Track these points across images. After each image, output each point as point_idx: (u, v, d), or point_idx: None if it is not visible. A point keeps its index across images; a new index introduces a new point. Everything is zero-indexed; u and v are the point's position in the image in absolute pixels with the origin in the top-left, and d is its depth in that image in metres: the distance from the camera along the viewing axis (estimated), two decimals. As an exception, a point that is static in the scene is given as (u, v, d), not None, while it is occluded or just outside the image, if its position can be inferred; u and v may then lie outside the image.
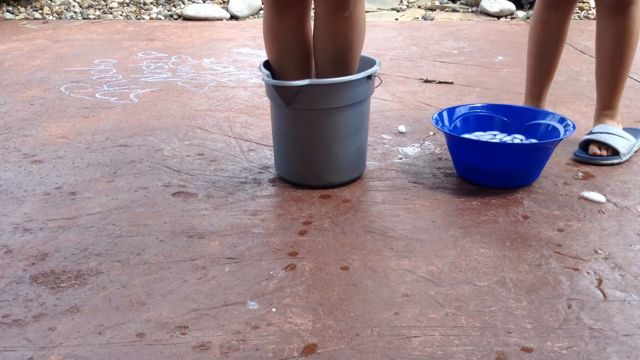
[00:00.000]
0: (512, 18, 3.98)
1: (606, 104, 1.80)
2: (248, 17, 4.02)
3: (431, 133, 1.95)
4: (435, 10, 4.24)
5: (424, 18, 4.01)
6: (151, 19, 3.98)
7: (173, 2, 4.23)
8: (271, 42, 1.53)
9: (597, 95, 1.82)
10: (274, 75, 1.54)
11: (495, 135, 1.72)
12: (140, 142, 1.88)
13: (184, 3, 4.19)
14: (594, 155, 1.71)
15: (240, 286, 1.17)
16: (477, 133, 1.73)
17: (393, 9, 4.29)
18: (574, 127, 1.59)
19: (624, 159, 1.71)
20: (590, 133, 1.76)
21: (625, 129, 1.83)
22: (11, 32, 3.51)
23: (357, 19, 1.48)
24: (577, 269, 1.22)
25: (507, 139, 1.70)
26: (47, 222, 1.41)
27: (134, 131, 1.97)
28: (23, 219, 1.43)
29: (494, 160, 1.53)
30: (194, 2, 4.19)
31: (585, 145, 1.75)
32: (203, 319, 1.08)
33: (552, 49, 1.86)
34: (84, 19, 3.98)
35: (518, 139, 1.70)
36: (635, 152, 1.78)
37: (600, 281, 1.18)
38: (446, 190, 1.56)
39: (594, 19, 1.77)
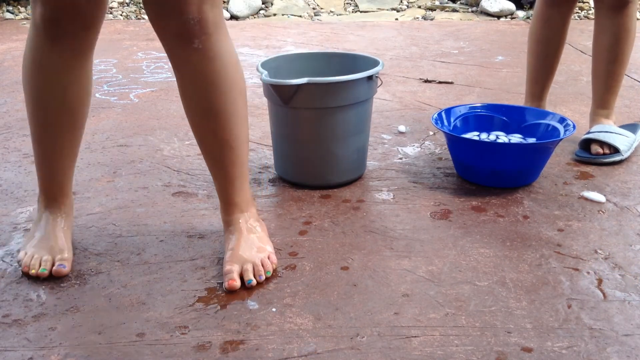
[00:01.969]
0: (512, 18, 3.97)
1: (602, 103, 1.80)
2: (248, 17, 4.03)
3: (431, 133, 1.95)
4: (435, 10, 4.24)
5: (424, 18, 4.01)
6: (151, 18, 3.98)
7: (173, 2, 4.23)
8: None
9: (593, 94, 1.83)
10: None
11: (478, 135, 1.71)
12: (140, 142, 1.88)
13: (184, 3, 4.19)
14: (597, 154, 1.71)
15: (240, 286, 1.17)
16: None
17: (393, 9, 4.29)
18: (574, 127, 1.59)
19: (625, 155, 1.72)
20: (589, 133, 1.76)
21: (621, 126, 1.83)
22: (11, 32, 3.51)
23: (214, 52, 1.09)
24: (577, 269, 1.22)
25: (492, 137, 1.70)
26: (47, 222, 1.41)
27: (134, 131, 1.97)
28: (23, 219, 1.43)
29: (494, 160, 1.53)
30: (194, 2, 4.19)
31: (585, 145, 1.75)
32: (203, 319, 1.08)
33: (553, 48, 1.86)
34: (84, 18, 3.98)
35: (501, 137, 1.70)
36: (635, 147, 1.78)
37: (600, 281, 1.18)
38: (446, 190, 1.56)
39: (594, 18, 1.77)
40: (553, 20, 1.83)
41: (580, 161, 1.72)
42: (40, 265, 1.19)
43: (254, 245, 1.21)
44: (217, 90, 1.13)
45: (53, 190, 1.26)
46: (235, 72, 1.15)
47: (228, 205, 1.24)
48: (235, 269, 1.17)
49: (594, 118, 1.83)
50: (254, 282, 1.16)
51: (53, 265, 1.20)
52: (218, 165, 1.21)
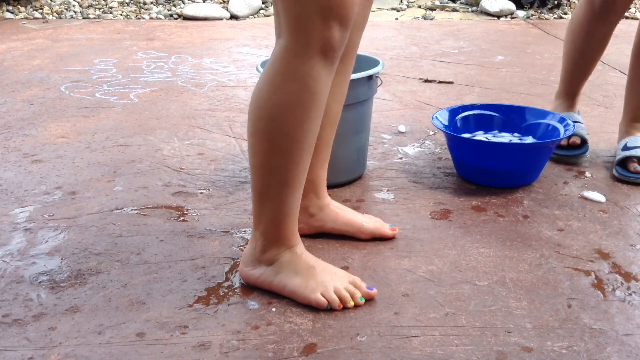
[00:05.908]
0: (512, 18, 3.97)
1: (638, 115, 1.70)
2: (248, 16, 4.02)
3: (431, 133, 1.95)
4: (435, 9, 4.24)
5: (424, 18, 4.01)
6: (151, 18, 3.98)
7: (173, 1, 4.23)
8: None
9: (625, 104, 1.72)
10: None
11: (508, 140, 1.70)
12: (140, 142, 1.88)
13: (184, 2, 4.19)
14: (636, 172, 1.59)
15: (240, 286, 1.17)
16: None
17: (393, 9, 4.29)
18: (574, 126, 1.59)
19: None
20: (627, 149, 1.64)
21: None
22: (11, 32, 3.51)
23: None
24: (577, 269, 1.22)
25: (505, 138, 1.70)
26: (47, 222, 1.41)
27: (134, 131, 1.97)
28: (23, 219, 1.43)
29: (494, 160, 1.53)
30: (194, 1, 4.19)
31: (623, 162, 1.63)
32: (203, 318, 1.08)
33: (592, 55, 1.75)
34: (84, 18, 3.98)
35: (485, 137, 1.70)
36: None
37: (600, 281, 1.18)
38: (446, 190, 1.56)
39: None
40: (597, 33, 1.69)
41: (622, 180, 1.60)
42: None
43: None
44: None
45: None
46: None
47: None
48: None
49: (628, 130, 1.70)
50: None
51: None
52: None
